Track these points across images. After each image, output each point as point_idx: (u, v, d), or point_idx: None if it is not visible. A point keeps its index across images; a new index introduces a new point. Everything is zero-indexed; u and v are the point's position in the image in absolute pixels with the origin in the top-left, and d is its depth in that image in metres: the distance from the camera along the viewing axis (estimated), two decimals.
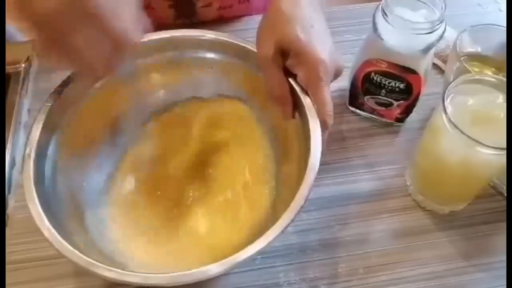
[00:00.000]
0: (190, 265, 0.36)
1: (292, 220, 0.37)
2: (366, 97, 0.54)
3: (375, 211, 0.50)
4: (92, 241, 0.42)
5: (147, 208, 0.48)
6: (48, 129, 0.43)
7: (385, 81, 0.51)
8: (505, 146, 0.39)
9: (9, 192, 0.51)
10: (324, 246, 0.48)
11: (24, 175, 0.40)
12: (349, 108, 0.58)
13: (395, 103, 0.53)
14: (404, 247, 0.48)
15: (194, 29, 0.49)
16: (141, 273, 0.36)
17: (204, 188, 0.50)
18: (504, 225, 0.49)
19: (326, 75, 0.42)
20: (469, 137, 0.39)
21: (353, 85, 0.54)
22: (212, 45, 0.49)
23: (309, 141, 0.41)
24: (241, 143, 0.51)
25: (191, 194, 0.49)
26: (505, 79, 0.43)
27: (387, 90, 0.52)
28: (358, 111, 0.57)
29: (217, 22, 0.66)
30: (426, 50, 0.48)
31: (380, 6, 0.47)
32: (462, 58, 0.49)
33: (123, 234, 0.45)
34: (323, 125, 0.42)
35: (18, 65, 0.62)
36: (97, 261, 0.36)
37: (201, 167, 0.50)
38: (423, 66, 0.49)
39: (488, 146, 0.39)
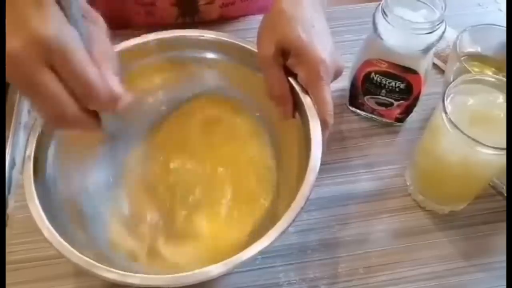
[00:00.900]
0: (190, 266, 0.36)
1: (294, 221, 0.37)
2: (366, 97, 0.54)
3: (375, 211, 0.50)
4: (92, 241, 0.42)
5: (147, 209, 0.48)
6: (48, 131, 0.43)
7: (385, 81, 0.51)
8: (505, 146, 0.39)
9: (9, 192, 0.51)
10: (324, 246, 0.48)
11: (24, 176, 0.39)
12: (349, 108, 0.58)
13: (395, 103, 0.53)
14: (404, 247, 0.48)
15: (193, 29, 0.49)
16: (142, 274, 0.36)
17: (204, 189, 0.49)
18: (504, 225, 0.49)
19: (326, 75, 0.42)
20: (469, 137, 0.39)
21: (353, 85, 0.54)
22: (212, 45, 0.49)
23: (309, 141, 0.41)
24: (241, 144, 0.51)
25: (191, 196, 0.49)
26: (505, 79, 0.43)
27: (387, 90, 0.52)
28: (358, 111, 0.57)
29: (218, 21, 0.66)
30: (426, 50, 0.48)
31: (380, 6, 0.47)
32: (462, 58, 0.49)
33: (123, 235, 0.45)
34: (324, 125, 0.42)
35: None
36: (97, 261, 0.36)
37: (201, 169, 0.50)
38: (423, 66, 0.49)
39: (488, 146, 0.39)
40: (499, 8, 0.68)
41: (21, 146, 0.55)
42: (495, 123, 0.42)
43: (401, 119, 0.56)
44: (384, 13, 0.46)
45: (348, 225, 0.49)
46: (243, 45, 0.48)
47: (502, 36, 0.50)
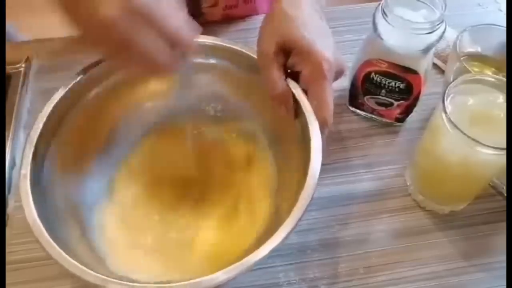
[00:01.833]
0: (190, 274, 0.36)
1: (297, 224, 0.37)
2: (366, 97, 0.54)
3: (375, 211, 0.50)
4: (91, 250, 0.42)
5: (145, 216, 0.48)
6: (45, 139, 0.43)
7: (385, 81, 0.51)
8: (505, 146, 0.39)
9: (9, 192, 0.51)
10: (324, 246, 0.48)
11: (21, 191, 0.39)
12: (349, 108, 0.58)
13: (395, 103, 0.53)
14: (404, 247, 0.48)
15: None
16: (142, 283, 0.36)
17: (203, 196, 0.49)
18: (504, 225, 0.49)
19: (330, 73, 0.42)
20: (469, 137, 0.39)
21: (353, 85, 0.54)
22: (210, 50, 0.48)
23: (310, 144, 0.41)
24: (240, 149, 0.51)
25: (190, 203, 0.49)
26: (505, 79, 0.43)
27: (387, 90, 0.52)
28: (358, 111, 0.57)
29: (222, 22, 0.66)
30: (426, 50, 0.48)
31: (380, 6, 0.47)
32: (462, 58, 0.49)
33: (121, 243, 0.45)
34: (323, 124, 0.42)
35: (18, 65, 0.62)
36: (94, 271, 0.35)
37: (199, 175, 0.50)
38: (423, 66, 0.49)
39: (488, 146, 0.39)
40: (499, 8, 0.68)
41: (21, 146, 0.55)
42: (495, 123, 0.42)
43: (401, 119, 0.56)
44: (384, 13, 0.46)
45: (348, 225, 0.49)
46: (240, 49, 0.47)
47: (502, 36, 0.50)
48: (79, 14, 0.35)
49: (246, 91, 0.49)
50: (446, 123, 0.41)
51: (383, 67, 0.50)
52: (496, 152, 0.40)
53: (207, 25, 0.64)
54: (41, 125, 0.42)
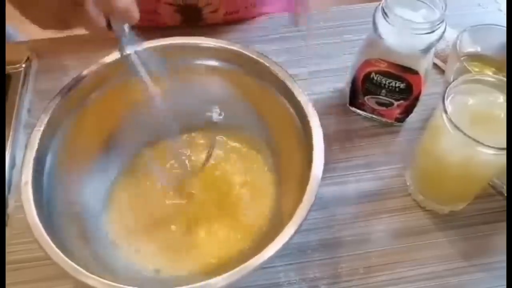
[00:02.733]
0: (190, 274, 0.36)
1: (301, 224, 0.37)
2: (366, 97, 0.54)
3: (375, 211, 0.50)
4: (94, 256, 0.42)
5: (145, 220, 0.48)
6: (45, 143, 0.43)
7: (385, 81, 0.51)
8: (505, 146, 0.39)
9: (9, 192, 0.51)
10: (324, 246, 0.48)
11: (23, 198, 0.39)
12: (349, 108, 0.58)
13: (395, 103, 0.53)
14: (404, 247, 0.48)
15: (193, 37, 0.49)
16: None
17: (204, 199, 0.49)
18: (504, 225, 0.49)
19: None
20: (469, 137, 0.39)
21: (353, 85, 0.54)
22: (210, 52, 0.48)
23: (311, 144, 0.41)
24: (240, 150, 0.51)
25: (190, 204, 0.49)
26: (505, 79, 0.43)
27: (387, 90, 0.52)
28: (358, 111, 0.57)
29: (223, 25, 0.66)
30: (426, 50, 0.48)
31: (380, 6, 0.47)
32: (462, 58, 0.49)
33: (121, 245, 0.45)
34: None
35: (18, 65, 0.62)
36: (95, 274, 0.36)
37: (201, 179, 0.50)
38: (423, 66, 0.49)
39: (488, 146, 0.39)
40: (499, 8, 0.68)
41: (21, 146, 0.55)
42: (495, 123, 0.42)
43: (401, 119, 0.56)
44: (384, 13, 0.46)
45: (348, 225, 0.49)
46: (244, 51, 0.47)
47: (502, 36, 0.50)
48: None
49: (246, 92, 0.49)
50: (446, 123, 0.41)
51: (383, 67, 0.50)
52: (496, 152, 0.40)
53: (207, 26, 0.65)
54: (40, 130, 0.42)
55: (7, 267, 0.46)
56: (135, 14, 0.39)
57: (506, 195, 0.51)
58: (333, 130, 0.56)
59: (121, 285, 0.35)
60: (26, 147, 0.41)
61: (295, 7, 0.70)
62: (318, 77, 0.61)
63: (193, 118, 0.50)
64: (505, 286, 0.44)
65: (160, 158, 0.51)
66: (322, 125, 0.42)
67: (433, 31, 0.46)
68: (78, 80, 0.45)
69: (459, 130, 0.40)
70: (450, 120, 0.41)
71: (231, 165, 0.50)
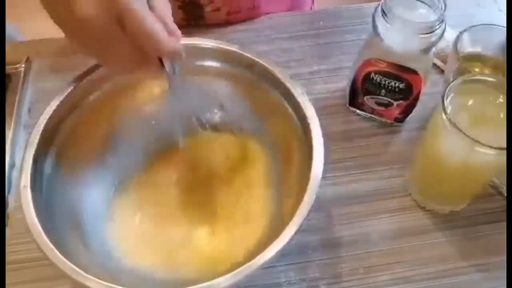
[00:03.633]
0: (191, 275, 0.36)
1: (302, 224, 0.37)
2: (366, 97, 0.54)
3: (375, 211, 0.50)
4: (94, 257, 0.42)
5: (147, 222, 0.48)
6: (44, 146, 0.43)
7: (385, 81, 0.51)
8: (505, 146, 0.39)
9: (9, 192, 0.51)
10: (324, 246, 0.48)
11: (23, 202, 0.39)
12: (349, 108, 0.58)
13: (395, 103, 0.53)
14: (404, 247, 0.48)
15: (191, 37, 0.48)
16: None
17: (204, 198, 0.49)
18: (504, 225, 0.49)
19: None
20: (469, 137, 0.39)
21: (353, 85, 0.54)
22: (209, 53, 0.48)
23: (311, 144, 0.41)
24: (240, 151, 0.51)
25: (191, 206, 0.49)
26: (505, 79, 0.43)
27: (387, 90, 0.52)
28: (358, 111, 0.57)
29: (223, 25, 0.66)
30: (426, 50, 0.48)
31: (380, 6, 0.47)
32: (462, 58, 0.49)
33: (122, 248, 0.45)
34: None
35: (18, 65, 0.62)
36: (100, 278, 0.35)
37: (201, 179, 0.50)
38: (423, 66, 0.49)
39: (488, 146, 0.39)
40: (499, 8, 0.68)
41: (21, 146, 0.55)
42: (495, 123, 0.42)
43: (401, 119, 0.56)
44: (384, 13, 0.46)
45: (348, 225, 0.49)
46: (243, 52, 0.47)
47: (502, 36, 0.50)
48: (58, 12, 0.35)
49: (245, 92, 0.49)
50: (446, 123, 0.41)
51: (383, 67, 0.50)
52: (496, 152, 0.40)
53: (208, 26, 0.65)
54: (40, 131, 0.42)
55: (7, 267, 0.46)
56: (182, 53, 0.39)
57: (506, 195, 0.51)
58: (333, 130, 0.56)
59: (121, 287, 0.35)
60: (25, 149, 0.41)
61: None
62: (318, 77, 0.61)
63: (192, 119, 0.50)
64: (505, 286, 0.44)
65: (161, 158, 0.51)
66: (322, 125, 0.42)
67: (433, 31, 0.46)
68: (78, 80, 0.45)
69: (459, 130, 0.40)
70: (450, 120, 0.41)
71: (231, 165, 0.50)
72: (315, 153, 0.40)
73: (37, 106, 0.58)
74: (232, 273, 0.35)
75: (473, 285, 0.46)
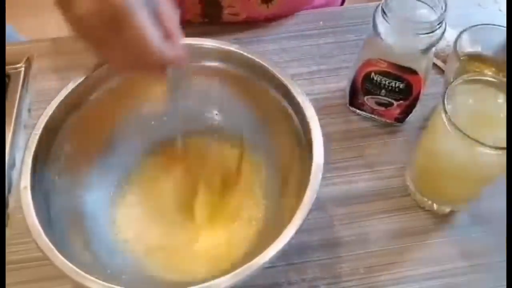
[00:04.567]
0: (192, 275, 0.36)
1: (303, 223, 0.37)
2: (366, 97, 0.54)
3: (375, 211, 0.50)
4: (94, 257, 0.42)
5: (147, 224, 0.48)
6: (44, 146, 0.42)
7: (385, 81, 0.51)
8: (505, 146, 0.39)
9: (9, 192, 0.51)
10: (324, 246, 0.48)
11: (23, 203, 0.39)
12: (349, 108, 0.58)
13: (395, 103, 0.53)
14: (404, 247, 0.48)
15: (191, 38, 0.48)
16: None
17: (205, 200, 0.49)
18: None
19: None
20: (469, 137, 0.39)
21: (353, 85, 0.54)
22: (209, 53, 0.48)
23: (311, 143, 0.41)
24: (240, 152, 0.51)
25: (191, 207, 0.48)
26: (505, 79, 0.43)
27: (387, 90, 0.52)
28: (358, 111, 0.57)
29: (224, 24, 0.66)
30: (426, 50, 0.48)
31: (380, 6, 0.47)
32: (462, 58, 0.49)
33: (123, 249, 0.45)
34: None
35: (18, 65, 0.61)
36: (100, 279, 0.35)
37: (201, 180, 0.50)
38: (423, 66, 0.49)
39: (488, 146, 0.39)
40: (499, 8, 0.68)
41: (21, 146, 0.55)
42: (495, 123, 0.42)
43: (401, 119, 0.56)
44: (384, 13, 0.46)
45: (348, 225, 0.49)
46: (243, 52, 0.47)
47: (502, 36, 0.50)
48: (63, 10, 0.35)
49: (245, 92, 0.49)
50: (446, 123, 0.41)
51: (383, 67, 0.50)
52: (496, 152, 0.40)
53: (207, 25, 0.65)
54: (39, 132, 0.42)
55: (7, 267, 0.46)
56: (185, 60, 0.39)
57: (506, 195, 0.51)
58: (333, 130, 0.56)
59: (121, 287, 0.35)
60: (24, 149, 0.41)
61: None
62: (318, 77, 0.61)
63: (192, 119, 0.50)
64: (505, 286, 0.44)
65: (161, 159, 0.51)
66: (322, 125, 0.42)
67: (433, 31, 0.46)
68: (78, 80, 0.45)
69: (459, 130, 0.40)
70: (450, 120, 0.41)
71: (230, 165, 0.50)
72: (315, 153, 0.40)
73: (37, 106, 0.58)
74: (232, 273, 0.35)
75: (473, 285, 0.46)
